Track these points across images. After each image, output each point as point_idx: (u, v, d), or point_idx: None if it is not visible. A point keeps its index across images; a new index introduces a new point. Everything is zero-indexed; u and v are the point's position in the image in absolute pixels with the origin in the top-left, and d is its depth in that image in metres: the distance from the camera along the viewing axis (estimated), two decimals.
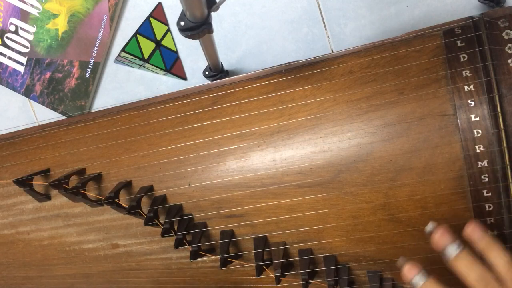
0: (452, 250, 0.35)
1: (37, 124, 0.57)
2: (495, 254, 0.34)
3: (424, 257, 0.44)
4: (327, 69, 0.45)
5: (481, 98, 0.39)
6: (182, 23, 0.36)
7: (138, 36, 0.60)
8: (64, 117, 0.61)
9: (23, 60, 0.62)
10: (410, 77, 0.42)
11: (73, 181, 0.51)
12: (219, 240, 0.48)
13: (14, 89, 0.63)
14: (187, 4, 0.34)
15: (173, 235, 0.46)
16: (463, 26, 0.41)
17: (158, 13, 0.60)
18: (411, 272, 0.36)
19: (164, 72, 0.61)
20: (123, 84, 0.63)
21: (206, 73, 0.57)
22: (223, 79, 0.49)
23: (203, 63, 0.59)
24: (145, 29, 0.60)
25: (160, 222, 0.47)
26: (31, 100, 0.64)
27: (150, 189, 0.49)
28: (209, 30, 0.38)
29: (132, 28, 0.60)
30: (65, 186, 0.50)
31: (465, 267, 0.34)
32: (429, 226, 0.37)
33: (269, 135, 0.45)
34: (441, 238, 0.36)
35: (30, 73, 0.62)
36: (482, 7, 0.53)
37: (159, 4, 0.60)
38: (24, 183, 0.52)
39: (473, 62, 0.40)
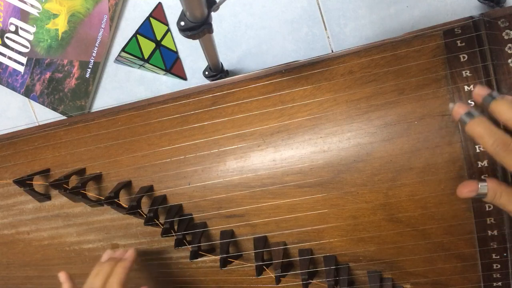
0: (468, 115, 0.36)
1: (37, 124, 0.57)
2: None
3: (424, 257, 0.44)
4: (327, 69, 0.45)
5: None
6: (182, 23, 0.36)
7: (138, 36, 0.60)
8: (64, 117, 0.61)
9: (23, 60, 0.62)
10: (410, 77, 0.42)
11: (73, 181, 0.51)
12: (219, 240, 0.48)
13: (14, 89, 0.63)
14: (187, 4, 0.34)
15: (173, 235, 0.46)
16: (463, 26, 0.41)
17: (158, 13, 0.60)
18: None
19: (164, 72, 0.61)
20: (123, 84, 0.63)
21: (206, 73, 0.57)
22: (223, 79, 0.49)
23: (203, 63, 0.59)
24: (145, 29, 0.60)
25: (160, 222, 0.47)
26: (31, 100, 0.64)
27: (150, 189, 0.49)
28: (209, 30, 0.38)
29: (132, 28, 0.60)
30: (65, 186, 0.50)
31: (482, 131, 0.35)
32: (451, 105, 0.38)
33: (269, 135, 0.45)
34: (459, 107, 0.37)
35: (30, 73, 0.62)
36: (482, 7, 0.53)
37: (159, 4, 0.60)
38: (24, 183, 0.52)
39: (473, 62, 0.40)
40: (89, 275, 0.47)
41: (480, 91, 0.37)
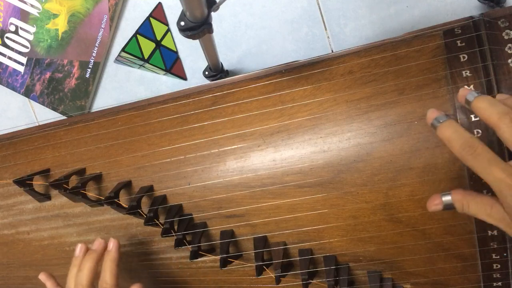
0: (438, 120, 0.34)
1: (37, 124, 0.57)
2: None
3: (424, 257, 0.44)
4: (327, 69, 0.45)
5: None
6: (182, 23, 0.36)
7: (138, 36, 0.60)
8: (64, 117, 0.61)
9: (23, 60, 0.62)
10: (410, 77, 0.42)
11: (73, 181, 0.51)
12: (219, 240, 0.48)
13: (14, 89, 0.63)
14: (187, 4, 0.34)
15: (173, 235, 0.46)
16: (463, 26, 0.41)
17: (158, 13, 0.60)
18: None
19: (164, 72, 0.61)
20: (123, 84, 0.63)
21: (206, 73, 0.57)
22: (223, 79, 0.49)
23: (203, 63, 0.59)
24: (145, 29, 0.60)
25: (160, 222, 0.47)
26: (31, 100, 0.64)
27: (150, 189, 0.49)
28: (209, 30, 0.38)
29: (132, 28, 0.60)
30: (65, 186, 0.50)
31: (449, 134, 0.33)
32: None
33: (269, 135, 0.45)
34: (431, 112, 0.35)
35: (30, 73, 0.62)
36: (482, 7, 0.53)
37: (159, 4, 0.60)
38: (24, 183, 0.52)
39: (473, 62, 0.40)
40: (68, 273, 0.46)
41: (462, 92, 0.36)
